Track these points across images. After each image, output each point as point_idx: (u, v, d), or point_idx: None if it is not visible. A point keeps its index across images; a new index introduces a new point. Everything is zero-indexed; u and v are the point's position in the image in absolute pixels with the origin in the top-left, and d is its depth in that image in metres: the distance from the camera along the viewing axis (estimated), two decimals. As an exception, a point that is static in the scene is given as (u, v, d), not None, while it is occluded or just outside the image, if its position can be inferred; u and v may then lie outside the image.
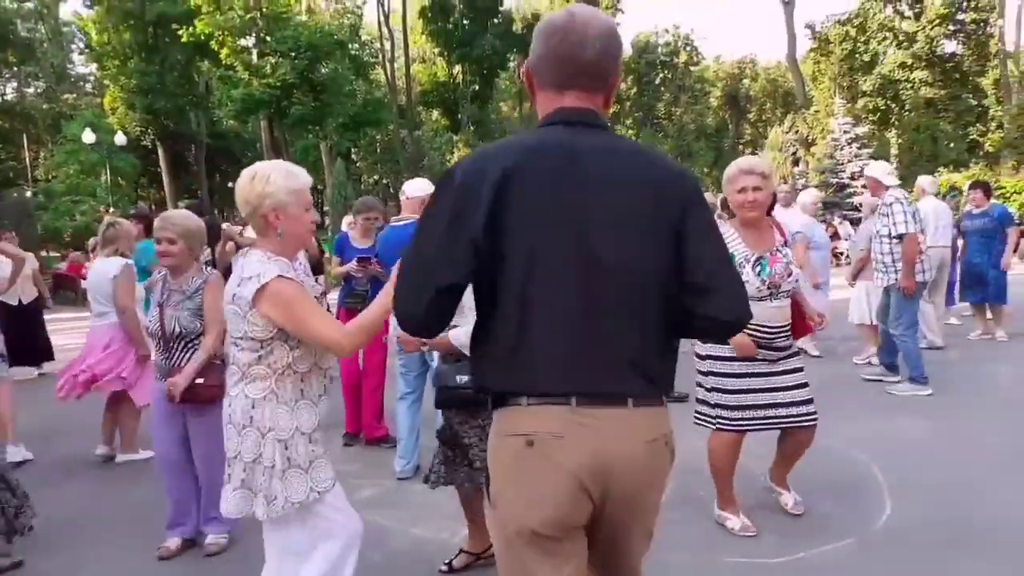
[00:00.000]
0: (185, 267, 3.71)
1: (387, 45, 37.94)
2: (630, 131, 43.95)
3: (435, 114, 40.06)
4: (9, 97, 38.50)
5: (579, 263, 1.59)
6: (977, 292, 8.45)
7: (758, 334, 3.52)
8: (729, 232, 3.58)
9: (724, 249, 1.72)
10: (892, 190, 6.16)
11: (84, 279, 7.95)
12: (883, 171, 6.41)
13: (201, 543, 3.76)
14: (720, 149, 46.81)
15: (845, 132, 25.02)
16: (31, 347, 7.73)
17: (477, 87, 37.09)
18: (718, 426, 3.62)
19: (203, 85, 33.32)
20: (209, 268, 3.95)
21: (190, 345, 3.63)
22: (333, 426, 5.72)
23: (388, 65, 37.57)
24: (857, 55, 36.50)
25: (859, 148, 24.77)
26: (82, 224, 23.21)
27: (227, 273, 2.70)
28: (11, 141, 34.31)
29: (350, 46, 31.79)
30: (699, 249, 1.65)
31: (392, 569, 3.50)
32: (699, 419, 3.71)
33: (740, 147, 46.98)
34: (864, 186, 9.02)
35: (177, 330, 3.61)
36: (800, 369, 3.67)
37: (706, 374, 3.64)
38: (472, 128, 35.68)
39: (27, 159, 33.47)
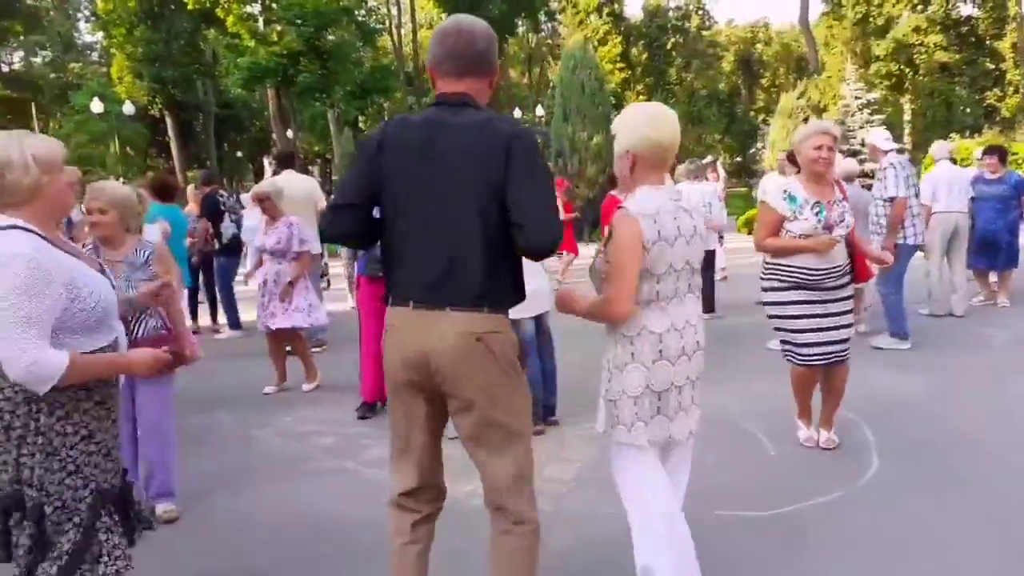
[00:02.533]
0: (118, 238, 3.66)
1: (394, 11, 37.66)
2: (641, 96, 43.58)
3: (443, 81, 39.84)
4: (16, 67, 38.55)
5: (423, 211, 2.24)
6: (986, 258, 8.41)
7: (805, 273, 3.99)
8: (792, 183, 4.12)
9: (538, 192, 2.20)
10: (889, 155, 6.32)
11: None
12: (881, 137, 6.63)
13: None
14: (733, 115, 46.41)
15: (857, 98, 24.76)
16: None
17: (484, 53, 36.80)
18: (790, 360, 4.18)
19: (210, 53, 33.22)
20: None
21: (144, 315, 3.55)
22: (349, 389, 5.91)
23: (395, 31, 37.33)
24: (871, 19, 35.97)
25: (871, 114, 24.54)
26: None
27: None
28: (20, 111, 34.38)
29: (356, 13, 31.57)
30: (515, 195, 2.18)
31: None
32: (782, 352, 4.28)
33: (752, 113, 46.54)
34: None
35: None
36: (849, 310, 4.14)
37: (770, 316, 4.19)
38: (480, 95, 35.47)
39: (36, 129, 33.56)
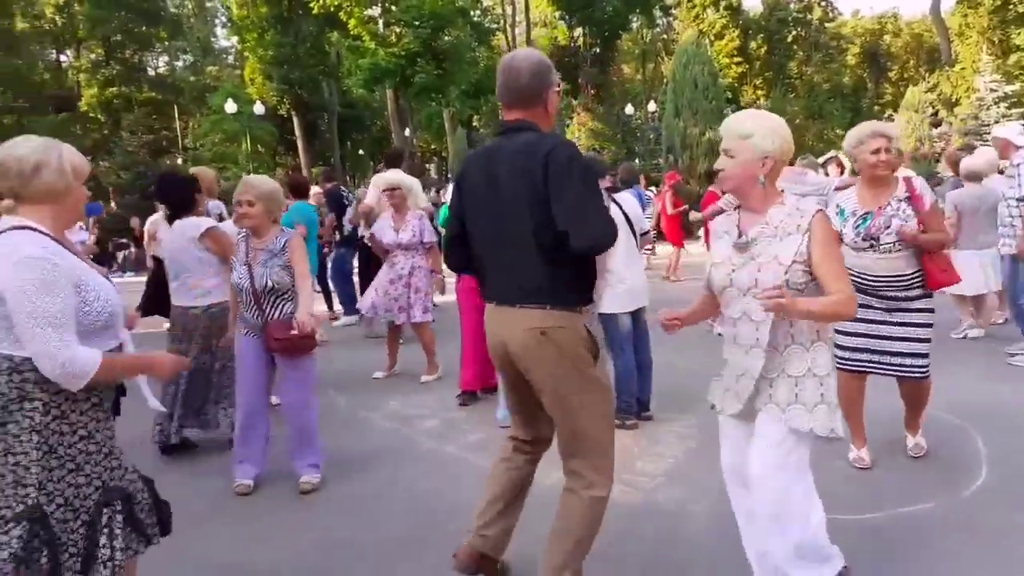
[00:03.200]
0: (264, 227, 4.01)
1: (508, 10, 38.12)
2: (759, 91, 42.30)
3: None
4: (161, 70, 41.46)
5: (488, 225, 2.71)
6: None
7: (860, 280, 3.82)
8: (847, 193, 4.02)
9: (575, 199, 2.51)
10: (1022, 151, 5.88)
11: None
12: (1015, 132, 6.15)
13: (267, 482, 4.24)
14: (857, 110, 44.25)
15: (992, 91, 23.20)
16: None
17: (598, 50, 36.72)
18: (837, 364, 3.81)
19: (334, 56, 34.66)
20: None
21: (279, 299, 3.95)
22: (451, 376, 6.17)
23: (509, 31, 37.79)
24: (1010, 6, 33.47)
25: (1008, 108, 22.93)
26: (226, 189, 24.92)
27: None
28: (163, 112, 36.99)
29: (472, 13, 32.17)
30: (556, 205, 2.52)
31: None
32: None
33: (878, 108, 44.27)
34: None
35: (269, 285, 3.93)
36: (921, 324, 3.89)
37: None
38: (593, 92, 35.42)
39: (178, 129, 36.04)
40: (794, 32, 44.85)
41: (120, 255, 20.50)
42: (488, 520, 2.98)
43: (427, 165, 40.10)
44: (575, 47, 37.59)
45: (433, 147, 43.77)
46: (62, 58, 36.85)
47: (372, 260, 8.36)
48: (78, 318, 2.10)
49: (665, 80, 26.92)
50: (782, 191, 2.60)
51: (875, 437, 4.19)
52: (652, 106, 31.18)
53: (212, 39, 44.54)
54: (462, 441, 4.84)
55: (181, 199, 4.81)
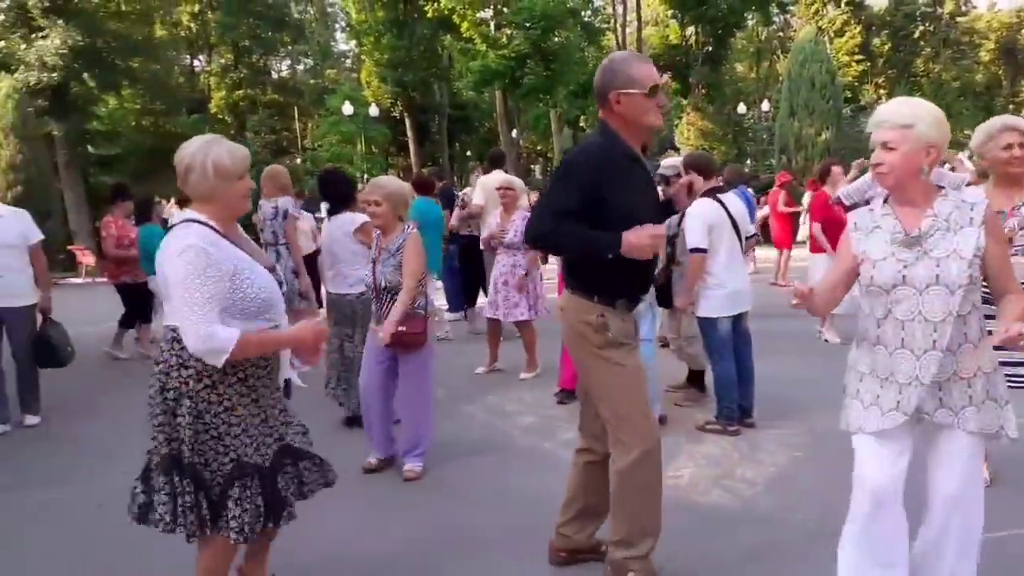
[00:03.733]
0: (390, 226, 4.21)
1: (619, 9, 37.83)
2: (882, 90, 40.29)
3: (664, 78, 39.30)
4: (284, 74, 43.45)
5: None
6: None
7: None
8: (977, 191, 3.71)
9: (541, 197, 3.03)
10: None
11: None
12: None
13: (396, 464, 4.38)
14: (990, 109, 41.39)
15: None
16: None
17: (710, 48, 35.91)
18: None
19: (446, 58, 35.38)
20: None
21: (394, 297, 4.12)
22: (550, 374, 6.24)
23: (620, 30, 37.49)
24: None
25: None
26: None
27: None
28: (284, 114, 38.73)
29: (583, 13, 32.13)
30: None
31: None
32: None
33: (1012, 107, 41.32)
34: None
35: (383, 283, 4.15)
36: None
37: None
38: (703, 91, 34.70)
39: (297, 130, 37.68)
40: (922, 27, 42.42)
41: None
42: (567, 519, 3.11)
43: (532, 166, 40.33)
44: (687, 46, 36.89)
45: (539, 148, 43.98)
46: (195, 63, 39.21)
47: (473, 258, 8.51)
48: (233, 302, 2.33)
49: (780, 79, 26.10)
50: (937, 185, 2.46)
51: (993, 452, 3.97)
52: (765, 105, 30.28)
53: (332, 43, 46.31)
54: (558, 438, 4.90)
55: (340, 195, 5.21)
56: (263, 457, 2.47)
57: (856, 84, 38.09)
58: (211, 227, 2.39)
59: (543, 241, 2.95)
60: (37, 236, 5.42)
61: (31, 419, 5.52)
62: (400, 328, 4.04)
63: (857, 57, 40.09)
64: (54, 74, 22.24)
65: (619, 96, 2.77)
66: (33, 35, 22.58)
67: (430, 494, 4.09)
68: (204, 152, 2.36)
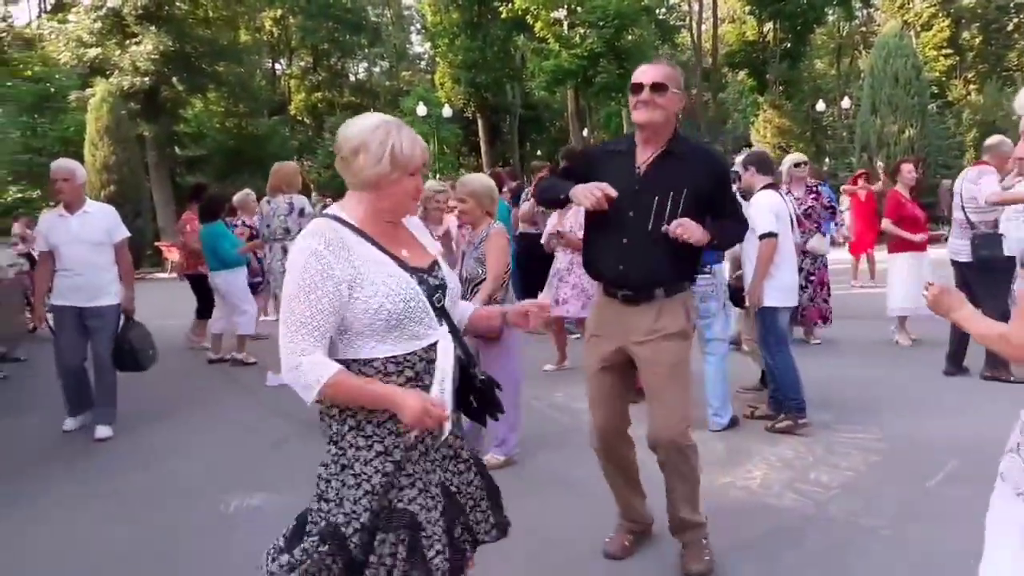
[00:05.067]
0: (478, 221, 4.38)
1: (695, 7, 37.32)
2: (972, 85, 38.58)
3: (741, 75, 38.67)
4: (360, 76, 44.43)
5: None
6: None
7: None
8: None
9: None
10: None
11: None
12: None
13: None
14: (1093, 104, 39.10)
15: None
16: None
17: (788, 44, 35.07)
18: None
19: (518, 59, 35.55)
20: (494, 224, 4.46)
21: (476, 289, 4.27)
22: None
23: (695, 27, 36.99)
24: None
25: None
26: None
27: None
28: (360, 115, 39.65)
29: (657, 11, 31.82)
30: None
31: (656, 500, 3.86)
32: None
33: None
34: None
35: (465, 275, 4.31)
36: None
37: None
38: (781, 88, 33.91)
39: (371, 132, 38.42)
40: (1016, 20, 40.39)
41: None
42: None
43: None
44: (764, 42, 36.12)
45: (612, 147, 43.72)
46: (276, 66, 40.48)
47: (533, 257, 8.56)
48: (355, 318, 1.87)
49: (862, 75, 25.30)
50: None
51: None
52: (846, 102, 29.38)
53: (407, 46, 47.12)
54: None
55: None
56: (419, 506, 1.96)
57: (943, 79, 36.57)
58: (353, 227, 1.93)
59: (536, 193, 3.69)
60: (123, 233, 5.28)
61: (103, 431, 5.19)
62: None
63: (945, 51, 38.48)
64: (146, 78, 23.35)
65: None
66: (127, 41, 23.75)
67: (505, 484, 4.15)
68: (384, 133, 1.92)
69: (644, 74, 2.94)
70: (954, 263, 6.12)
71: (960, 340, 5.90)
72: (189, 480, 4.42)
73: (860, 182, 12.06)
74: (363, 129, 1.93)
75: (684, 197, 2.88)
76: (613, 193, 2.78)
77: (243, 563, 3.20)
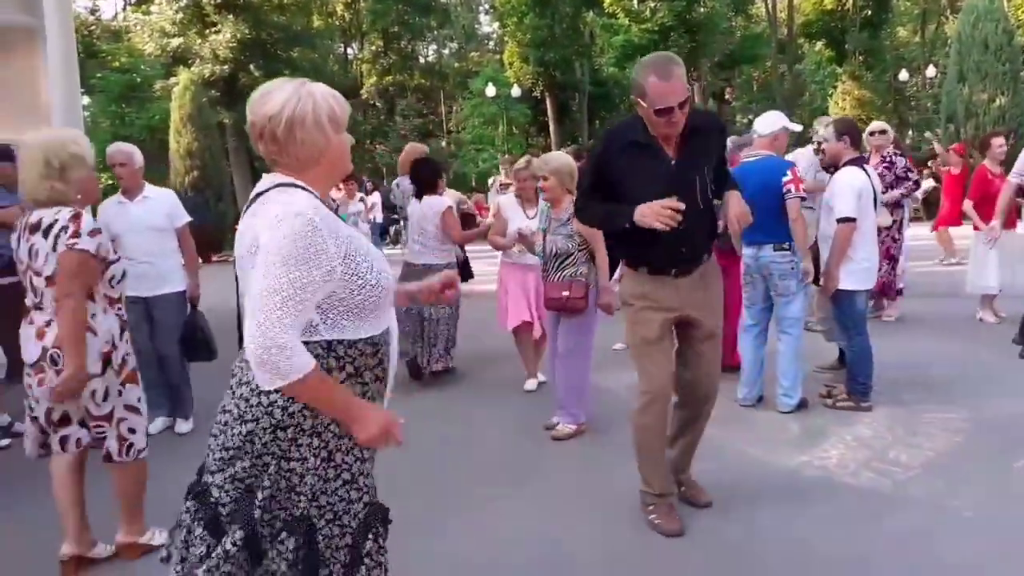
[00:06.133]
0: (560, 198, 4.54)
1: (770, -24, 36.09)
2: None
3: (818, 46, 37.33)
4: (430, 58, 44.71)
5: None
6: None
7: None
8: None
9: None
10: None
11: (485, 217, 9.38)
12: None
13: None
14: None
15: None
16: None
17: (869, 12, 33.64)
18: None
19: (587, 35, 35.15)
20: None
21: (563, 264, 4.46)
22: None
23: (769, -3, 35.81)
24: None
25: None
26: (483, 170, 26.53)
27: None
28: (431, 98, 39.90)
29: (731, -19, 30.96)
30: None
31: (725, 478, 3.89)
32: None
33: None
34: None
35: (554, 251, 4.48)
36: None
37: None
38: (861, 58, 32.60)
39: (443, 113, 38.74)
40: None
41: (391, 229, 22.64)
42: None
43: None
44: (843, 10, 34.74)
45: (683, 123, 42.93)
46: (348, 51, 41.07)
47: None
48: (350, 295, 1.75)
49: (948, 42, 24.17)
50: None
51: None
52: (931, 71, 28.09)
53: (476, 26, 47.13)
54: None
55: (427, 180, 5.82)
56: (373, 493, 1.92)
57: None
58: (314, 195, 1.79)
59: (578, 216, 3.57)
60: (184, 218, 4.97)
61: (183, 425, 5.00)
62: (564, 293, 4.38)
63: (1042, 13, 36.30)
64: (225, 66, 24.10)
65: (637, 100, 3.06)
66: (207, 30, 24.54)
67: (567, 459, 4.24)
68: (309, 99, 1.76)
69: (670, 97, 2.93)
70: None
71: None
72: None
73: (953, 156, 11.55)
74: (286, 101, 1.74)
75: (710, 167, 3.17)
76: (680, 206, 2.89)
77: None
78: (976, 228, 7.01)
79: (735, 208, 3.14)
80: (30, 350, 2.90)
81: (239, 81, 25.35)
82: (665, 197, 2.92)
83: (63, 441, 2.97)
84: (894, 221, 6.97)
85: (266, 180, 1.82)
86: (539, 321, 5.33)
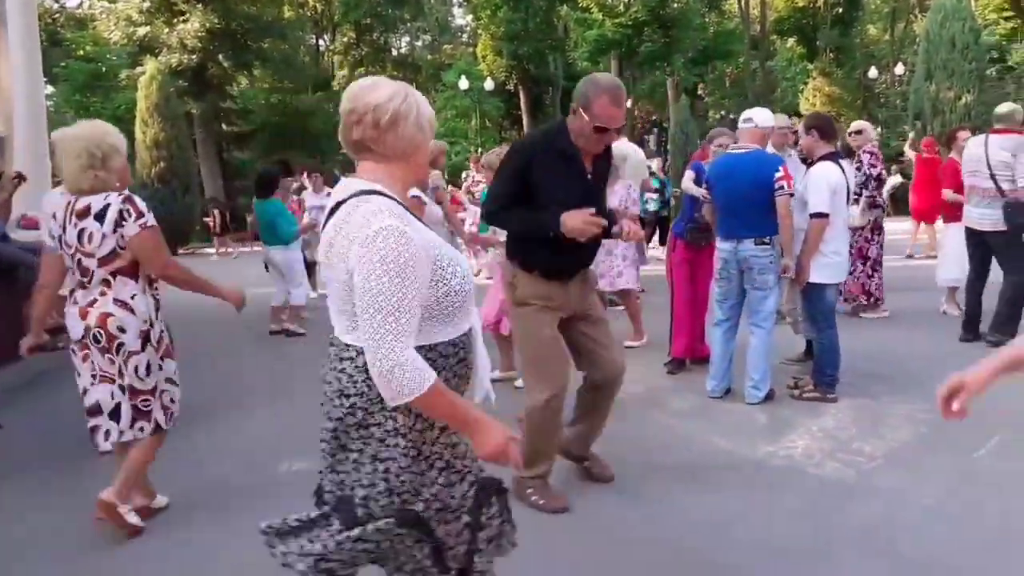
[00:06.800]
0: None
1: (742, -28, 36.31)
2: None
3: (790, 42, 37.69)
4: (403, 51, 44.43)
5: None
6: None
7: None
8: None
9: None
10: None
11: (461, 211, 9.34)
12: None
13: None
14: None
15: None
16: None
17: (840, 10, 34.01)
18: None
19: (561, 29, 35.15)
20: None
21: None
22: (658, 346, 6.23)
23: (742, -6, 36.03)
24: None
25: None
26: (457, 163, 26.42)
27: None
28: (404, 90, 39.71)
29: (704, -23, 31.10)
30: None
31: (694, 468, 3.89)
32: None
33: None
34: None
35: None
36: None
37: None
38: (831, 55, 32.97)
39: (417, 105, 38.45)
40: (1085, -23, 38.48)
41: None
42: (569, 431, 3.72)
43: (646, 136, 39.62)
44: (815, 8, 35.09)
45: (654, 118, 43.14)
46: (320, 42, 40.66)
47: None
48: (436, 301, 1.75)
49: (917, 40, 24.52)
50: None
51: None
52: (899, 69, 28.48)
53: (449, 18, 46.91)
54: (669, 408, 4.90)
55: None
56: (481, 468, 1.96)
57: (1004, 43, 35.13)
58: (397, 201, 1.80)
59: (491, 220, 3.50)
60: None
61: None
62: None
63: (1006, 14, 36.92)
64: (193, 56, 23.73)
65: (578, 110, 3.18)
66: (175, 19, 24.12)
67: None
68: (414, 99, 1.83)
69: (613, 120, 3.17)
70: (973, 232, 6.08)
71: (975, 306, 6.17)
72: (246, 443, 4.55)
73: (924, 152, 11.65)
74: (394, 96, 1.80)
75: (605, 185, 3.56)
76: (602, 221, 3.16)
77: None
78: (948, 220, 7.12)
79: (633, 227, 3.41)
80: (75, 328, 3.15)
81: (207, 71, 25.01)
82: (581, 207, 3.13)
83: (93, 431, 3.20)
84: (869, 221, 7.05)
85: (347, 187, 1.82)
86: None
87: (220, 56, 25.30)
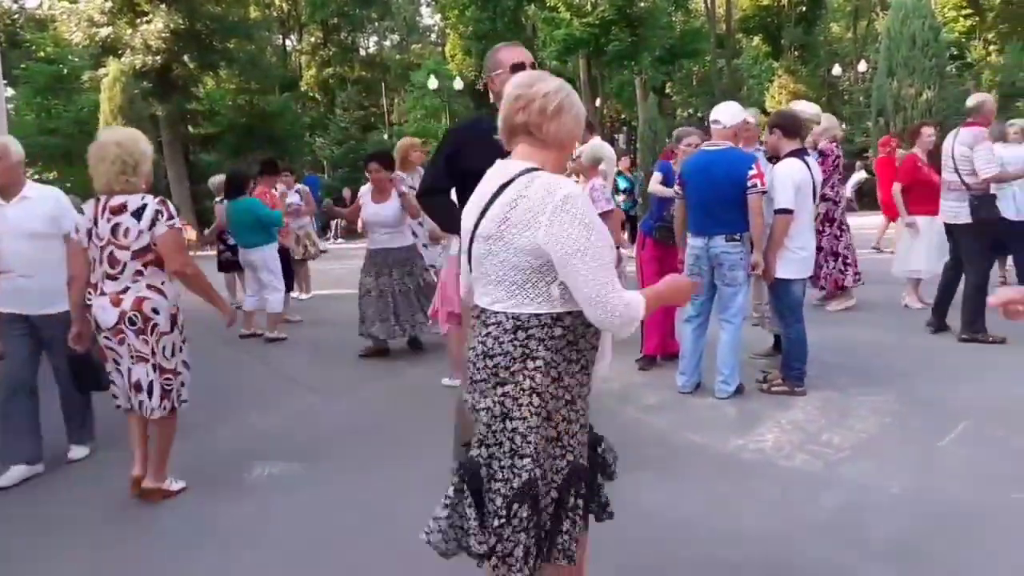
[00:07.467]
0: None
1: (708, -29, 36.63)
2: (992, 46, 37.74)
3: (755, 41, 38.10)
4: (371, 51, 44.17)
5: None
6: None
7: None
8: None
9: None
10: None
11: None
12: None
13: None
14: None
15: None
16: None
17: (804, 8, 34.46)
18: None
19: (530, 28, 35.19)
20: None
21: None
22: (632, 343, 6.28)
23: (708, -8, 36.36)
24: None
25: None
26: (426, 163, 26.29)
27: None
28: (372, 90, 39.41)
29: (669, -23, 31.32)
30: None
31: (666, 462, 3.94)
32: None
33: None
34: None
35: None
36: None
37: None
38: (796, 53, 33.39)
39: (385, 105, 38.30)
40: (1040, -24, 39.39)
41: (333, 224, 22.31)
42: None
43: (616, 135, 39.83)
44: (779, 6, 35.52)
45: (623, 116, 43.37)
46: (287, 43, 40.29)
47: None
48: None
49: (879, 38, 24.92)
50: None
51: None
52: (862, 66, 28.94)
53: (417, 18, 46.74)
54: (641, 403, 4.95)
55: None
56: (582, 460, 2.04)
57: (963, 41, 35.86)
58: None
59: (427, 209, 3.66)
60: (71, 224, 3.95)
61: (78, 451, 4.37)
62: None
63: (965, 12, 37.70)
64: (157, 57, 23.31)
65: (492, 78, 3.24)
66: (138, 20, 23.71)
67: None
68: (575, 96, 1.99)
69: (520, 55, 3.25)
70: (947, 226, 6.20)
71: (943, 297, 6.25)
72: (222, 447, 4.51)
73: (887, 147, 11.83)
74: (561, 88, 1.95)
75: None
76: None
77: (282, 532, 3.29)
78: (893, 216, 7.24)
79: None
80: (108, 315, 3.44)
81: (172, 72, 24.62)
82: None
83: (141, 404, 3.59)
84: (818, 214, 7.11)
85: (508, 168, 1.95)
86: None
87: (185, 57, 24.90)
